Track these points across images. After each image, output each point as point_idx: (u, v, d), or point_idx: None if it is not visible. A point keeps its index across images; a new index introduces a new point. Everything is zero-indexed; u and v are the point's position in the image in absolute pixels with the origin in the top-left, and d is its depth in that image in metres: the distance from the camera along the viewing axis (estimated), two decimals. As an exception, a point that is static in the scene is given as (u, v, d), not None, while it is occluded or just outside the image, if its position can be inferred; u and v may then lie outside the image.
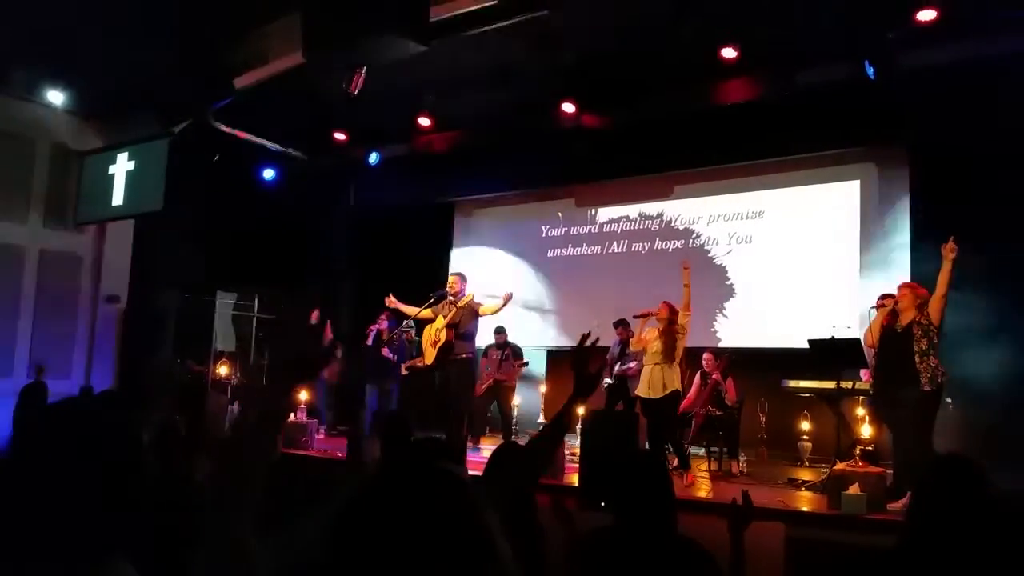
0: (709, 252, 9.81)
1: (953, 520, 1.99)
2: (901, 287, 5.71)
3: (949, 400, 5.67)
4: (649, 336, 6.75)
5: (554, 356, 10.34)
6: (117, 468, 1.23)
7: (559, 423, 2.38)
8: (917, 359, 5.29)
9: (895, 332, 5.54)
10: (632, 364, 8.13)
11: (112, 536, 1.21)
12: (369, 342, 9.09)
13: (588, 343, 2.34)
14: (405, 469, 1.02)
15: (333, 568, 0.94)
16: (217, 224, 9.75)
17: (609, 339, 8.49)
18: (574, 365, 2.31)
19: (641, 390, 6.67)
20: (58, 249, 9.29)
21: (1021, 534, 1.92)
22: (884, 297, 6.47)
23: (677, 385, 6.55)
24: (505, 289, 7.47)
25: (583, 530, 2.65)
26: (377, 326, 9.08)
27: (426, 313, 7.58)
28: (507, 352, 9.34)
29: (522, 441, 5.80)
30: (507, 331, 9.42)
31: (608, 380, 8.34)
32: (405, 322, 8.21)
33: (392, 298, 7.81)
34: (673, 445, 6.59)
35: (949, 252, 5.28)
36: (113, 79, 8.16)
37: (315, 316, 9.69)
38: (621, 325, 8.45)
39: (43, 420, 1.28)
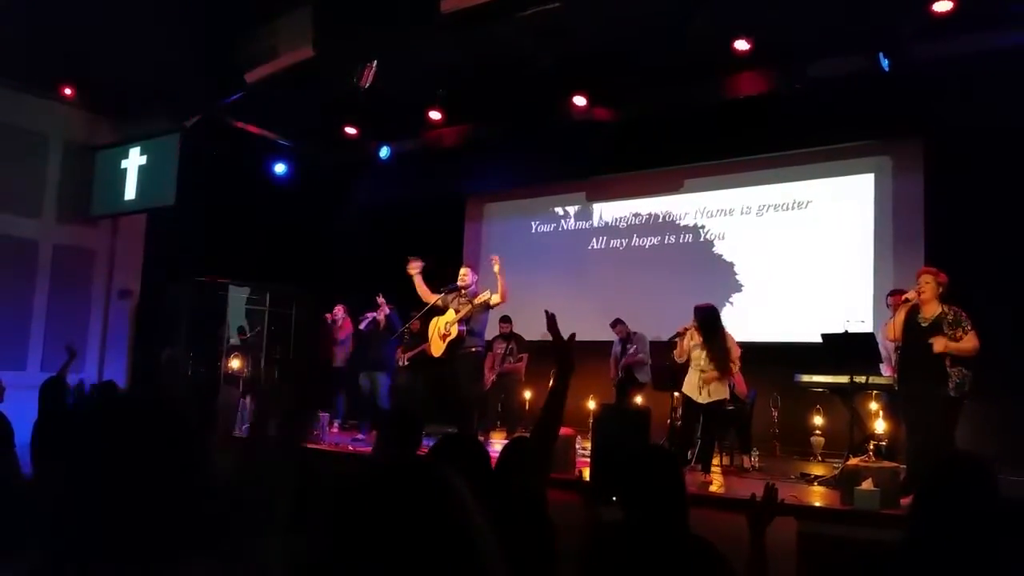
0: (721, 246, 9.76)
1: (957, 519, 1.94)
2: (921, 272, 5.41)
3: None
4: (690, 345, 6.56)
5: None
6: (186, 465, 1.22)
7: (552, 407, 2.40)
8: (948, 361, 5.13)
9: (919, 327, 5.31)
10: (640, 355, 8.21)
11: (183, 533, 1.19)
12: (362, 326, 8.88)
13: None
14: (385, 466, 1.02)
15: (327, 565, 0.95)
16: (229, 219, 9.79)
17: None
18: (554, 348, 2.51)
19: (687, 389, 6.54)
20: (71, 243, 9.34)
21: None
22: (894, 293, 6.39)
23: (723, 394, 6.43)
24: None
25: (593, 525, 2.63)
26: (376, 315, 8.75)
27: (438, 303, 7.57)
28: (512, 345, 9.30)
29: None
30: (513, 322, 9.42)
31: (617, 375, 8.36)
32: (413, 313, 8.17)
33: (416, 267, 7.56)
34: (703, 446, 6.45)
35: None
36: (126, 74, 8.19)
37: (339, 311, 9.64)
38: (620, 323, 8.48)
39: (104, 418, 1.26)
